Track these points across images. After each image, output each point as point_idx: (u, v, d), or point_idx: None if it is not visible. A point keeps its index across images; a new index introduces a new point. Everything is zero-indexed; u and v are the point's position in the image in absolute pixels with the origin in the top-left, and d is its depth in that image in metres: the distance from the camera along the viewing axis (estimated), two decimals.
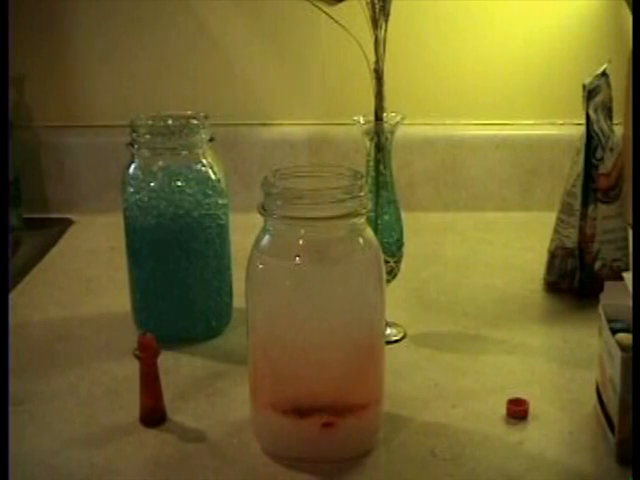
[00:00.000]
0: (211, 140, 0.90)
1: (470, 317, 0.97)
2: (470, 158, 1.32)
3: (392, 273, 0.89)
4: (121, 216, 0.91)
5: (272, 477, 0.69)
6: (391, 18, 0.85)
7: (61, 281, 1.09)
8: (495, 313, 0.98)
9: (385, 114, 0.86)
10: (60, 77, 1.32)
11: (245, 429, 0.74)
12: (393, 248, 0.89)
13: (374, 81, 0.86)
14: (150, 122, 0.89)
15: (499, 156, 1.31)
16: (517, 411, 0.76)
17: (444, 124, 1.32)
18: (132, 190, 0.88)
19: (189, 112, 0.91)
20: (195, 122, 0.89)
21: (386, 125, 0.86)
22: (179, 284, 0.89)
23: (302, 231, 0.67)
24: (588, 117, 0.97)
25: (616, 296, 0.74)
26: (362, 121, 0.86)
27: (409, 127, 0.94)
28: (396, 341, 0.91)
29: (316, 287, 0.68)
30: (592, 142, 0.97)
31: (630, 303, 0.70)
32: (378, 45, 0.85)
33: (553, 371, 0.86)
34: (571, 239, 0.99)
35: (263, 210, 0.68)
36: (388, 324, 0.89)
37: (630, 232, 0.98)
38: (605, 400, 0.73)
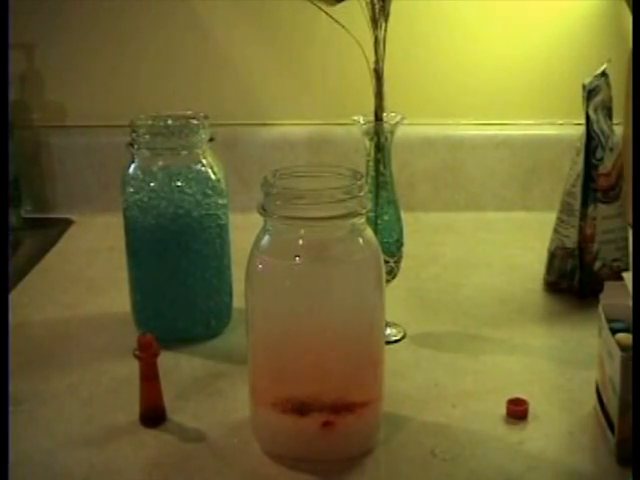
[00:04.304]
0: (211, 140, 0.90)
1: (470, 317, 0.97)
2: (470, 158, 1.32)
3: (392, 273, 0.89)
4: (121, 216, 0.91)
5: (272, 477, 0.69)
6: (391, 18, 0.85)
7: (61, 281, 1.09)
8: (495, 313, 0.98)
9: (385, 114, 0.86)
10: (60, 77, 1.32)
11: (245, 429, 0.74)
12: (393, 248, 0.89)
13: (374, 81, 0.86)
14: (150, 122, 0.89)
15: (499, 156, 1.31)
16: (517, 411, 0.76)
17: (444, 124, 1.32)
18: (132, 190, 0.88)
19: (189, 112, 0.91)
20: (195, 122, 0.89)
21: (386, 125, 0.86)
22: (179, 284, 0.89)
23: (302, 231, 0.67)
24: (588, 117, 0.97)
25: (616, 296, 0.74)
26: (362, 121, 0.86)
27: (409, 127, 0.94)
28: (396, 341, 0.91)
29: (316, 287, 0.68)
30: (592, 142, 0.97)
31: (630, 303, 0.70)
32: (378, 45, 0.85)
33: (553, 371, 0.86)
34: (571, 239, 0.99)
35: (263, 210, 0.68)
36: (388, 324, 0.89)
37: (630, 232, 0.99)
38: (605, 400, 0.73)
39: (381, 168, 0.87)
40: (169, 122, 0.90)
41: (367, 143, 0.87)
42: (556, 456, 0.71)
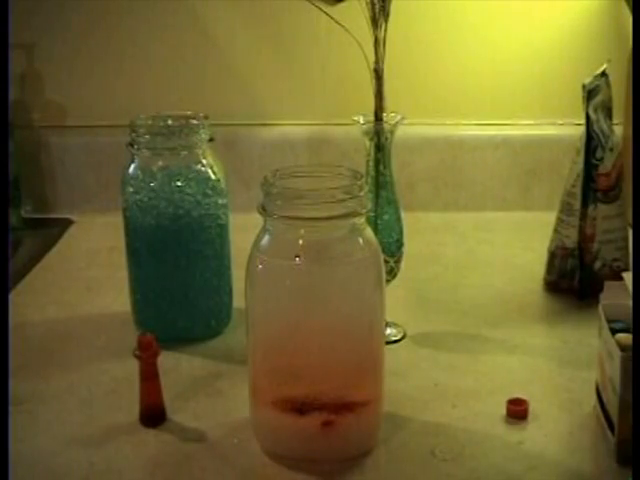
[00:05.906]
0: (211, 140, 0.90)
1: (470, 317, 0.97)
2: (470, 158, 1.32)
3: (392, 273, 0.89)
4: (121, 216, 0.91)
5: (272, 477, 0.69)
6: (391, 18, 0.85)
7: (61, 281, 1.09)
8: (495, 313, 0.98)
9: (385, 114, 0.86)
10: (60, 77, 1.32)
11: (245, 429, 0.74)
12: (393, 248, 0.89)
13: (374, 81, 0.86)
14: (150, 122, 0.89)
15: (499, 156, 1.32)
16: (517, 411, 0.76)
17: (444, 124, 1.32)
18: (132, 190, 0.88)
19: (189, 112, 0.91)
20: (195, 122, 0.89)
21: (386, 125, 0.86)
22: (179, 284, 0.89)
23: (302, 231, 0.67)
24: (588, 117, 0.97)
25: (616, 296, 0.74)
26: (362, 121, 0.86)
27: (409, 127, 0.94)
28: (396, 341, 0.91)
29: (316, 287, 0.68)
30: (592, 142, 0.97)
31: (630, 303, 0.70)
32: (378, 45, 0.85)
33: (553, 371, 0.86)
34: (571, 239, 0.99)
35: (263, 210, 0.68)
36: (388, 324, 0.89)
37: (630, 232, 0.98)
38: (605, 400, 0.73)
39: (381, 168, 0.87)
40: (169, 122, 0.90)
41: (367, 143, 0.87)
42: (556, 456, 0.71)
